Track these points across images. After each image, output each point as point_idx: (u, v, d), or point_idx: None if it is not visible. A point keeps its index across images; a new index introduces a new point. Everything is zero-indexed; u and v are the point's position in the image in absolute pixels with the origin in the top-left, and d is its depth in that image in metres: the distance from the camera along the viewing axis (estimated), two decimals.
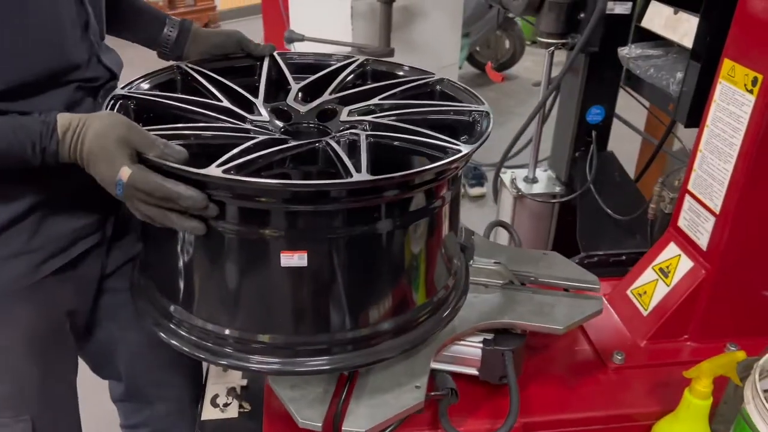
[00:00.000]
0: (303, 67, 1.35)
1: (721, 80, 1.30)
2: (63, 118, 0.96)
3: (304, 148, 1.02)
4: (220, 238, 0.94)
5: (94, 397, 1.70)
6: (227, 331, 1.00)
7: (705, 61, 1.39)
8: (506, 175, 2.10)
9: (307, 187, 0.91)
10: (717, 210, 1.33)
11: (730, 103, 1.27)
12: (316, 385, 1.04)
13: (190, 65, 1.26)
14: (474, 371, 1.18)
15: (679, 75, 1.47)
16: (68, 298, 1.23)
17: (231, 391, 1.40)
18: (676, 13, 1.50)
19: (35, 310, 1.17)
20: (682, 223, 1.45)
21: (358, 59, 1.34)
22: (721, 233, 1.33)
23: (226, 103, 1.15)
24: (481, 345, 1.16)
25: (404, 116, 1.13)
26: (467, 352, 1.18)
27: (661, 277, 1.47)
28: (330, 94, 1.23)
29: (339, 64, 1.33)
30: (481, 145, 1.02)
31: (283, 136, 1.09)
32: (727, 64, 1.27)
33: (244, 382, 1.45)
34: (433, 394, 1.18)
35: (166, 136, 0.95)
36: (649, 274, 1.51)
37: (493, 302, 1.23)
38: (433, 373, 1.23)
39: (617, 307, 1.52)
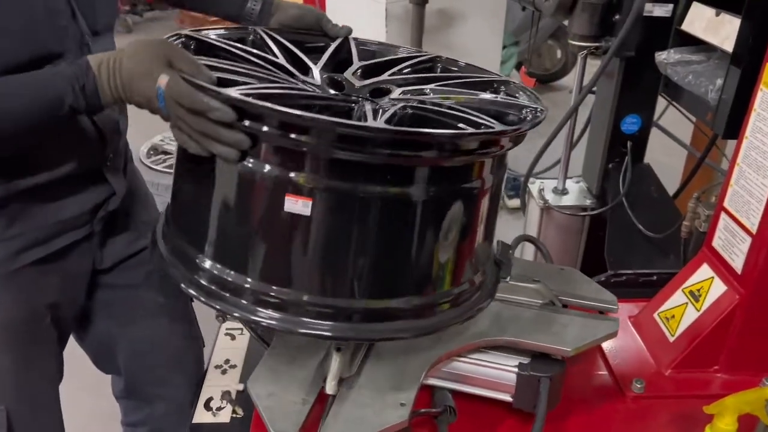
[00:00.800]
0: (375, 53, 1.31)
1: (762, 87, 1.18)
2: (93, 57, 0.97)
3: (336, 103, 0.99)
4: (234, 174, 0.91)
5: (100, 390, 1.70)
6: (239, 280, 0.95)
7: (746, 66, 1.27)
8: (534, 185, 1.99)
9: (306, 120, 0.82)
10: (754, 230, 1.21)
11: None
12: (295, 394, 0.99)
13: (264, 28, 1.26)
14: (507, 397, 1.10)
15: (719, 82, 1.36)
16: (51, 290, 1.22)
17: (225, 395, 1.37)
18: (718, 14, 1.39)
19: (12, 299, 1.16)
20: (716, 243, 1.33)
21: (430, 54, 1.30)
22: (758, 255, 1.21)
23: (281, 60, 1.14)
24: (515, 369, 1.08)
25: (454, 101, 1.07)
26: (500, 377, 1.10)
27: (692, 301, 1.35)
28: (389, 75, 1.20)
29: (409, 55, 1.29)
30: (517, 131, 0.92)
31: (319, 91, 1.06)
32: None
33: (241, 387, 1.41)
34: (424, 410, 1.12)
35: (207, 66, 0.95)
36: (678, 297, 1.39)
37: (498, 317, 1.15)
38: (432, 389, 1.17)
39: (642, 331, 1.41)
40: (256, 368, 1.03)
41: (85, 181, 1.21)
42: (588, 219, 1.93)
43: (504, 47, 4.86)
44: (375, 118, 0.93)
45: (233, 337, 1.58)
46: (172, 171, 3.00)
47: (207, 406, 1.35)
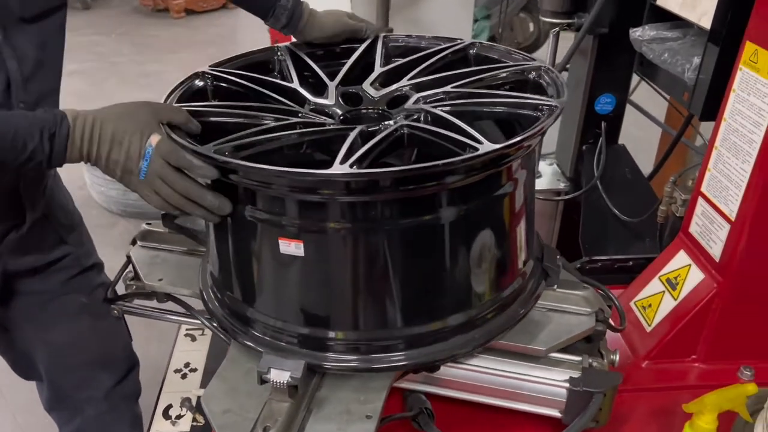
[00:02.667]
0: (408, 49, 1.31)
1: (741, 67, 1.13)
2: (69, 110, 0.94)
3: (328, 135, 1.01)
4: (249, 225, 0.94)
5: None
6: (294, 328, 0.98)
7: (725, 43, 1.22)
8: None
9: (268, 174, 0.85)
10: (732, 216, 1.17)
11: (752, 94, 1.10)
12: (252, 411, 0.92)
13: (289, 46, 1.30)
14: (555, 413, 1.05)
15: (696, 60, 1.30)
16: None
17: (185, 402, 1.30)
18: None
19: None
20: (693, 229, 1.29)
21: (463, 43, 1.27)
22: (737, 243, 1.17)
23: (294, 85, 1.19)
24: (566, 384, 1.02)
25: (466, 107, 1.07)
26: (546, 392, 1.04)
27: (668, 289, 1.32)
28: (408, 80, 1.19)
29: (437, 50, 1.26)
30: (496, 152, 0.88)
31: (311, 119, 1.08)
32: (749, 48, 1.11)
33: (202, 392, 1.34)
34: (399, 416, 1.07)
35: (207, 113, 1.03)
36: (655, 285, 1.35)
37: None
38: (405, 393, 1.11)
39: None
40: (211, 382, 0.97)
41: None
42: (562, 203, 1.87)
43: (476, 21, 4.76)
44: (361, 134, 0.95)
45: (194, 338, 1.51)
46: None
47: (166, 414, 1.29)
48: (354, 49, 1.30)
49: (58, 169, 1.33)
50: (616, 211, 1.63)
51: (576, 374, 1.02)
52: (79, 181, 3.42)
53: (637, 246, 1.63)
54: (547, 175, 1.90)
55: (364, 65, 1.27)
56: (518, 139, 0.88)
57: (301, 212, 0.89)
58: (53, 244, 1.28)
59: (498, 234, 0.99)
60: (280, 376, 0.88)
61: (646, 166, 2.54)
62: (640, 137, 2.29)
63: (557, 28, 1.64)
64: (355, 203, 0.89)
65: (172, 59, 5.56)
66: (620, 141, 1.85)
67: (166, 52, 5.80)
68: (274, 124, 1.02)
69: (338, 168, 0.84)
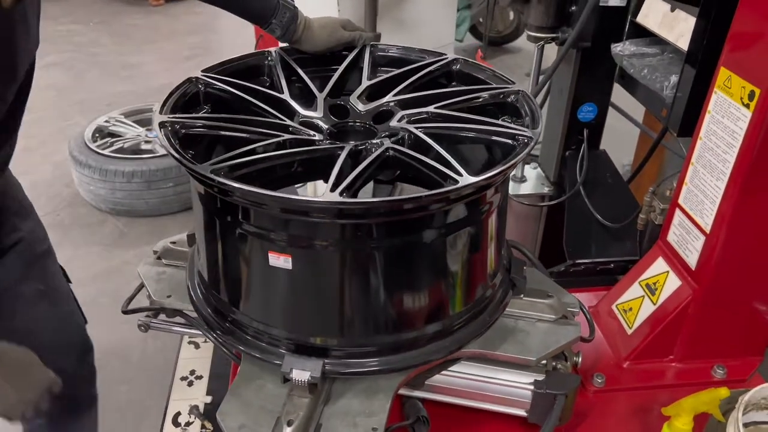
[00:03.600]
0: (395, 60, 1.37)
1: (716, 90, 1.20)
2: None
3: (318, 155, 1.06)
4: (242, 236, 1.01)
5: None
6: (279, 332, 1.04)
7: (701, 66, 1.28)
8: None
9: (264, 198, 0.91)
10: (707, 229, 1.24)
11: (725, 117, 1.17)
12: (265, 425, 0.98)
13: (280, 52, 1.33)
14: (521, 412, 1.14)
15: (674, 78, 1.37)
16: None
17: (194, 409, 1.36)
18: (673, 10, 1.39)
19: None
20: (671, 237, 1.37)
21: (446, 58, 1.33)
22: (711, 254, 1.25)
23: (285, 96, 1.23)
24: (531, 387, 1.11)
25: (447, 130, 1.13)
26: (514, 393, 1.13)
27: (648, 294, 1.40)
28: (393, 96, 1.24)
29: (422, 64, 1.31)
30: (475, 184, 0.94)
31: (300, 136, 1.12)
32: (723, 73, 1.17)
33: (209, 399, 1.40)
34: (397, 425, 1.14)
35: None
36: (635, 290, 1.43)
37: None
38: (403, 400, 1.18)
39: (601, 322, 1.46)
40: (225, 398, 1.02)
41: None
42: (546, 206, 1.95)
43: (457, 10, 4.80)
44: (349, 154, 1.02)
45: (197, 346, 1.56)
46: (121, 156, 2.95)
47: (175, 421, 1.34)
48: (343, 55, 1.34)
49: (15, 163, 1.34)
50: (598, 216, 1.71)
51: (540, 377, 1.11)
52: (67, 178, 3.41)
53: (618, 247, 1.71)
54: (532, 180, 1.96)
55: (353, 73, 1.33)
56: (495, 172, 0.95)
57: (290, 230, 0.96)
58: (6, 232, 1.29)
59: (472, 251, 1.07)
60: (301, 375, 0.97)
61: (627, 153, 2.61)
62: (619, 128, 2.34)
63: (542, 42, 1.70)
64: (342, 225, 0.95)
65: (152, 50, 5.50)
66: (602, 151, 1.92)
67: (146, 42, 5.73)
68: (267, 141, 1.07)
69: (329, 196, 0.91)
